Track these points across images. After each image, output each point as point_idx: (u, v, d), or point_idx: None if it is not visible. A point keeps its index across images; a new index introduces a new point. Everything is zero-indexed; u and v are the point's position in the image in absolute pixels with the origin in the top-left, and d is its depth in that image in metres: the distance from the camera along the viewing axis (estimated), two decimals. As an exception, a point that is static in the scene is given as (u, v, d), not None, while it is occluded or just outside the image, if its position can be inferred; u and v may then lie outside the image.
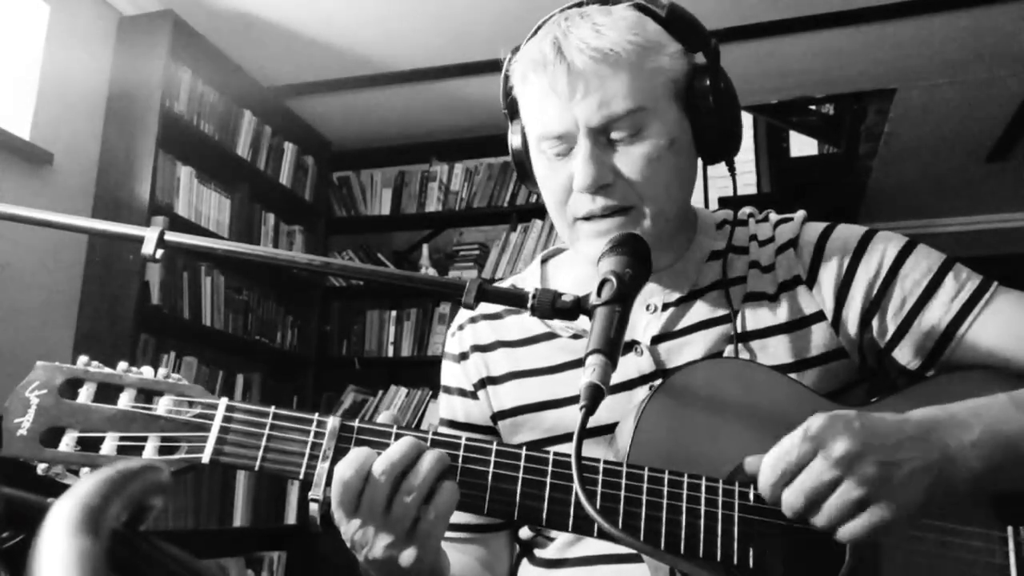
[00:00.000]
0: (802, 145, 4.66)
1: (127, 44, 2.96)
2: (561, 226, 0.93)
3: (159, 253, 0.86)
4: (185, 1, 2.99)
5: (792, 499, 0.71)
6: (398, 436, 0.77)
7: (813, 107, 4.24)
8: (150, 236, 0.86)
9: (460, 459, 0.77)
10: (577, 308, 0.79)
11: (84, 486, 0.34)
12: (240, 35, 3.20)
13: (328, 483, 0.75)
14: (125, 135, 2.88)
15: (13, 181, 2.54)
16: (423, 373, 3.73)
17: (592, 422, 0.70)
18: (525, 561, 0.98)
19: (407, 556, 0.76)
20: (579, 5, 0.91)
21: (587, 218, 0.89)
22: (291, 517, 3.47)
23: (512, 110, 0.97)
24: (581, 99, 0.85)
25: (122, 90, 2.92)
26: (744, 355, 0.90)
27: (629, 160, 0.86)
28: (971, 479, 0.73)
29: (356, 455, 0.74)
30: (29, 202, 2.09)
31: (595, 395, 0.69)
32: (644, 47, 0.86)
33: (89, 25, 2.88)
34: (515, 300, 0.83)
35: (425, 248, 3.99)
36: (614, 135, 0.86)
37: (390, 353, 3.81)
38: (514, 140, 0.98)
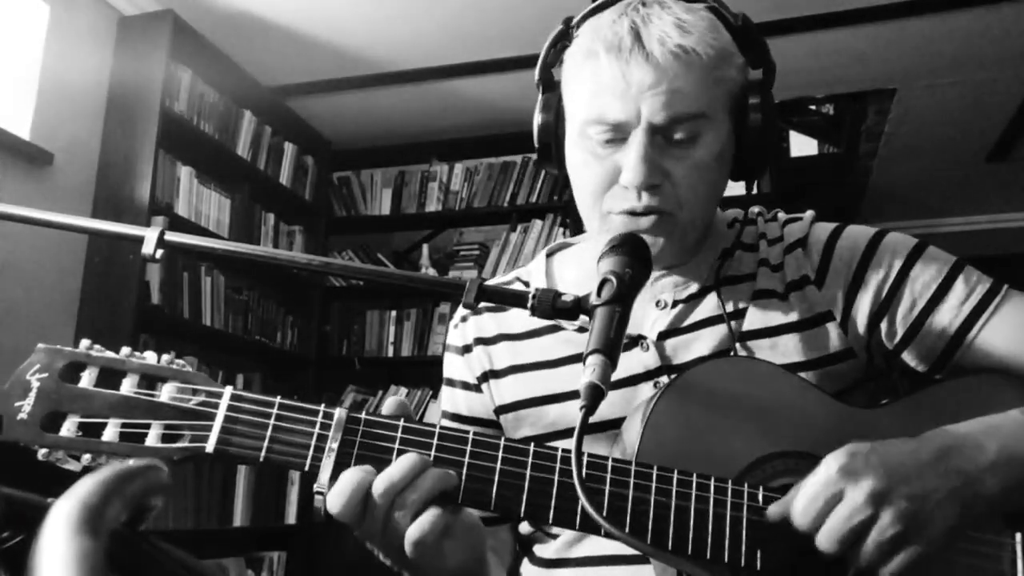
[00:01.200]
0: (802, 145, 4.66)
1: (127, 44, 2.96)
2: (590, 215, 0.91)
3: (159, 253, 0.86)
4: (185, 1, 2.99)
5: (827, 544, 0.71)
6: (405, 428, 0.76)
7: (813, 107, 4.23)
8: (150, 236, 0.86)
9: (467, 454, 0.76)
10: (577, 308, 0.78)
11: (84, 486, 0.34)
12: (240, 35, 3.20)
13: (333, 475, 0.74)
14: (125, 135, 2.88)
15: (13, 181, 2.54)
16: (423, 373, 3.72)
17: (595, 418, 0.70)
18: (526, 561, 0.98)
19: (408, 567, 0.77)
20: None
21: (625, 212, 0.87)
22: (291, 517, 3.47)
23: (548, 83, 0.94)
24: (652, 94, 0.81)
25: (122, 90, 2.92)
26: (743, 354, 0.90)
27: (681, 165, 0.85)
28: (988, 501, 0.73)
29: (344, 484, 0.73)
30: (29, 202, 2.09)
31: (595, 395, 0.68)
32: (720, 54, 0.84)
33: (89, 25, 2.88)
34: (515, 300, 0.82)
35: (425, 248, 3.99)
36: (673, 137, 0.84)
37: (390, 353, 3.81)
38: (544, 115, 0.93)
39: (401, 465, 0.74)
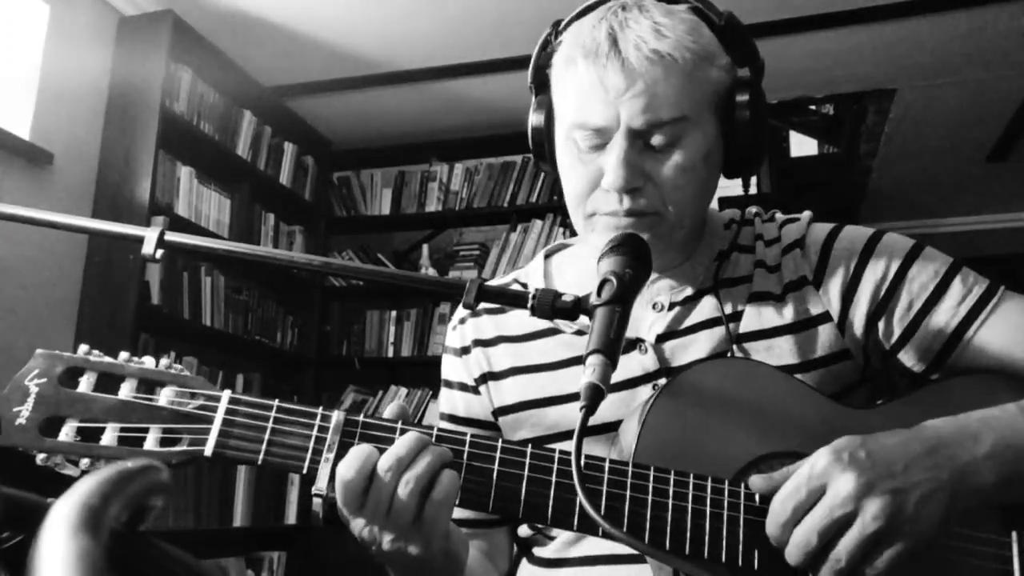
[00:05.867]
0: (802, 145, 4.65)
1: (127, 44, 2.96)
2: (577, 216, 0.92)
3: (159, 253, 0.86)
4: (185, 1, 2.99)
5: (804, 538, 0.71)
6: (403, 431, 0.77)
7: (813, 107, 4.23)
8: (150, 236, 0.86)
9: (465, 455, 0.77)
10: (577, 308, 0.78)
11: (84, 486, 0.34)
12: (240, 35, 3.20)
13: (331, 478, 0.75)
14: (125, 135, 2.88)
15: (13, 181, 2.54)
16: (423, 373, 3.72)
17: (595, 420, 0.70)
18: (524, 561, 0.98)
19: (413, 548, 0.76)
20: None
21: (608, 214, 0.88)
22: (291, 517, 3.47)
23: (540, 85, 0.95)
24: (629, 98, 0.82)
25: (122, 90, 2.92)
26: (740, 356, 0.90)
27: (663, 168, 0.85)
28: (984, 492, 0.73)
29: (357, 454, 0.74)
30: (29, 202, 2.09)
31: (595, 395, 0.69)
32: (700, 56, 0.84)
33: (89, 25, 2.88)
34: (515, 300, 0.82)
35: (425, 248, 3.98)
36: (653, 140, 0.84)
37: (390, 353, 3.81)
38: (536, 117, 0.95)
39: (405, 442, 0.75)
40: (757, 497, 0.75)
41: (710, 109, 0.87)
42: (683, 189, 0.86)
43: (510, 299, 0.84)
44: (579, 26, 0.88)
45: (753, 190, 4.27)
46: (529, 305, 0.80)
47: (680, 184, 0.86)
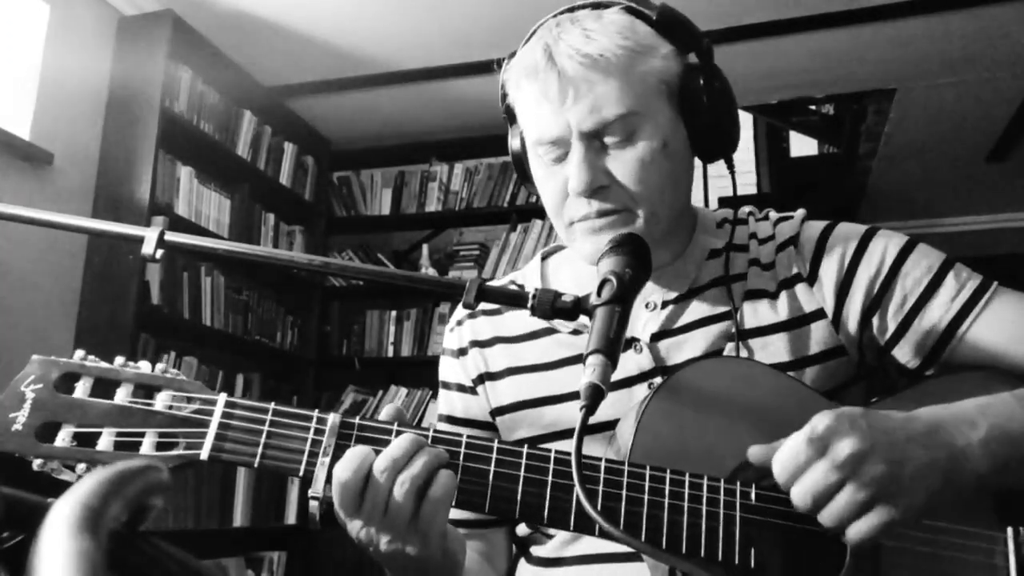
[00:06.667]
0: (802, 145, 4.66)
1: (127, 44, 2.96)
2: (559, 227, 0.94)
3: (159, 253, 0.86)
4: (185, 1, 2.99)
5: (799, 498, 0.71)
6: (398, 434, 0.77)
7: (813, 107, 4.24)
8: (150, 236, 0.86)
9: (461, 457, 0.77)
10: (577, 308, 0.79)
11: (84, 486, 0.34)
12: (240, 35, 3.20)
13: (328, 481, 0.75)
14: (125, 135, 2.88)
15: (13, 181, 2.54)
16: (423, 373, 3.72)
17: (591, 419, 0.70)
18: (523, 560, 0.99)
19: (411, 548, 0.76)
20: (571, 10, 0.91)
21: (582, 220, 0.90)
22: (291, 517, 3.47)
23: (510, 114, 0.98)
24: (572, 105, 0.85)
25: (122, 90, 2.92)
26: (743, 352, 0.90)
27: (622, 164, 0.87)
28: (977, 477, 0.73)
29: (353, 455, 0.74)
30: (29, 202, 2.09)
31: (595, 395, 0.69)
32: (634, 51, 0.86)
33: (89, 25, 2.88)
34: (515, 300, 0.83)
35: (425, 248, 3.98)
36: (607, 139, 0.87)
37: (390, 353, 3.81)
38: (513, 143, 0.99)
39: (400, 444, 0.75)
40: (753, 496, 0.76)
41: (660, 99, 0.88)
42: (647, 182, 0.87)
43: (510, 298, 0.84)
44: (523, 50, 0.92)
45: (753, 190, 4.28)
46: (529, 305, 0.81)
47: (642, 177, 0.87)
